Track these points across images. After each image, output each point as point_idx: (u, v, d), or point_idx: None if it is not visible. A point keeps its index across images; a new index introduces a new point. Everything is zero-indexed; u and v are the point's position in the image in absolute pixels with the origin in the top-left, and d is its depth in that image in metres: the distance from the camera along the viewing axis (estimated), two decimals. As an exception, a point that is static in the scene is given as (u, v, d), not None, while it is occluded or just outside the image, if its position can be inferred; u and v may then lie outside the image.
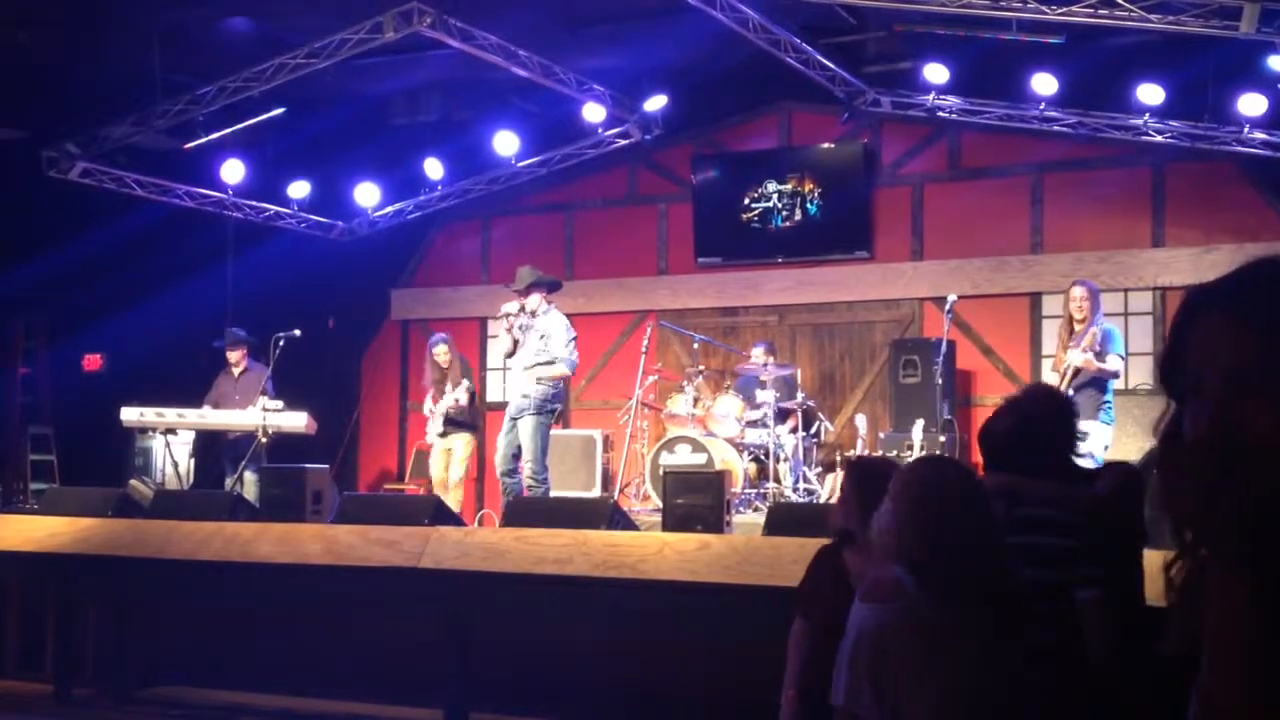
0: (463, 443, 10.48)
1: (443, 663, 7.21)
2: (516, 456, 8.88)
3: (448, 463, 10.47)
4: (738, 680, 6.02)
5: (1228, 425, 1.18)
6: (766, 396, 10.22)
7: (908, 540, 3.07)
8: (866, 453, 9.84)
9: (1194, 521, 1.20)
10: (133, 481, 10.25)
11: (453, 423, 10.43)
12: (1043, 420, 3.81)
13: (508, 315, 9.08)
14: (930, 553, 3.04)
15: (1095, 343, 8.36)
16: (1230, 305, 1.23)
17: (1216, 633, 1.20)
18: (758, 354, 10.62)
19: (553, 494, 10.32)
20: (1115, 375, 8.62)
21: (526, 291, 9.03)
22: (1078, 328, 8.54)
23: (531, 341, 8.92)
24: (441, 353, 10.61)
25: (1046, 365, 10.30)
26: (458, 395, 10.38)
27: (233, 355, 10.85)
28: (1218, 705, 1.18)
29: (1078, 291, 8.65)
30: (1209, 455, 1.18)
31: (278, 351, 9.93)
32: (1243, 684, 1.17)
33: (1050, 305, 10.82)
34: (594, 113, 11.44)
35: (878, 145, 11.80)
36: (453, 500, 9.68)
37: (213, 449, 10.77)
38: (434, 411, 10.51)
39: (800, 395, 10.40)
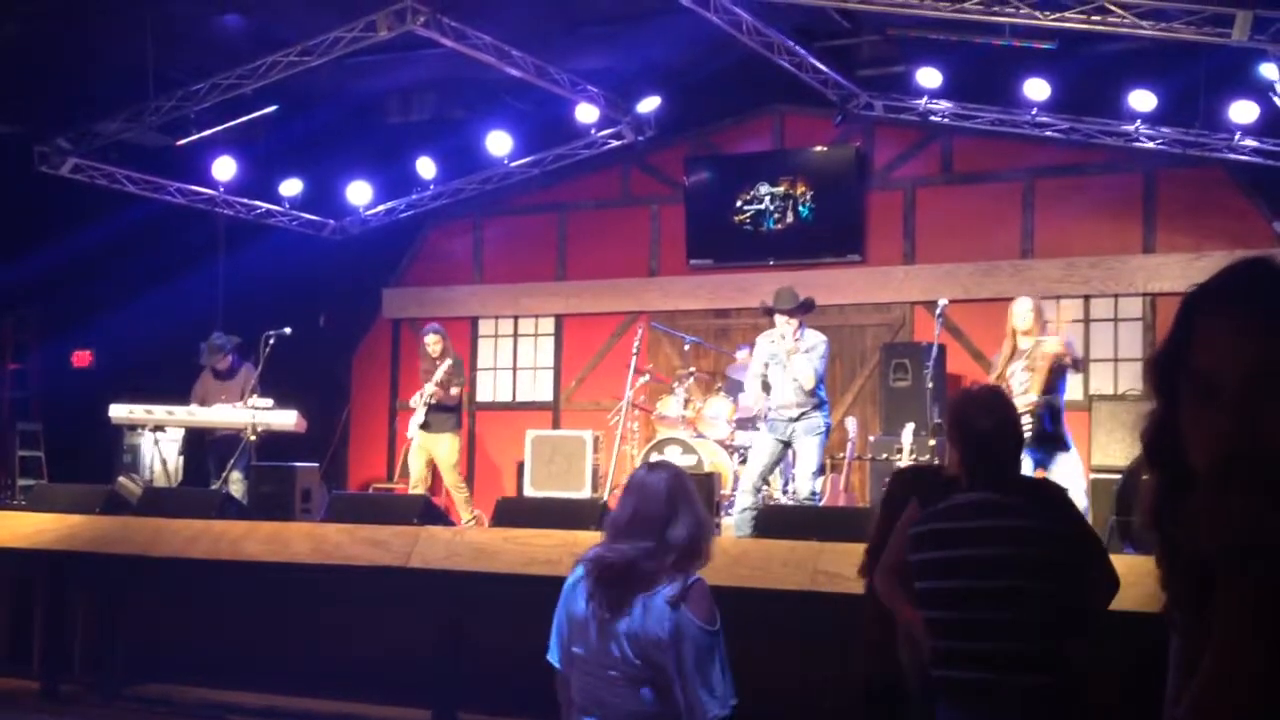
0: (447, 445, 10.46)
1: (431, 663, 7.21)
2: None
3: (427, 460, 10.46)
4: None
5: (1252, 432, 1.13)
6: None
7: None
8: (857, 456, 9.86)
9: (1205, 535, 1.13)
10: (121, 478, 10.22)
11: (440, 410, 10.38)
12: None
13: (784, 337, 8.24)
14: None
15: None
16: (1247, 307, 1.18)
17: (1219, 657, 1.15)
18: (743, 356, 10.62)
19: (541, 495, 10.34)
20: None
21: (803, 310, 8.36)
22: (1022, 341, 7.79)
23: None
24: (432, 342, 10.57)
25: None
26: (451, 386, 10.34)
27: (219, 365, 10.79)
28: None
29: (1028, 304, 7.89)
30: (1229, 464, 1.12)
31: (268, 349, 9.91)
32: (1243, 712, 1.13)
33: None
34: (587, 113, 11.44)
35: (870, 149, 11.82)
36: (460, 504, 9.78)
37: (202, 447, 10.74)
38: (418, 404, 10.48)
39: (791, 398, 10.39)
